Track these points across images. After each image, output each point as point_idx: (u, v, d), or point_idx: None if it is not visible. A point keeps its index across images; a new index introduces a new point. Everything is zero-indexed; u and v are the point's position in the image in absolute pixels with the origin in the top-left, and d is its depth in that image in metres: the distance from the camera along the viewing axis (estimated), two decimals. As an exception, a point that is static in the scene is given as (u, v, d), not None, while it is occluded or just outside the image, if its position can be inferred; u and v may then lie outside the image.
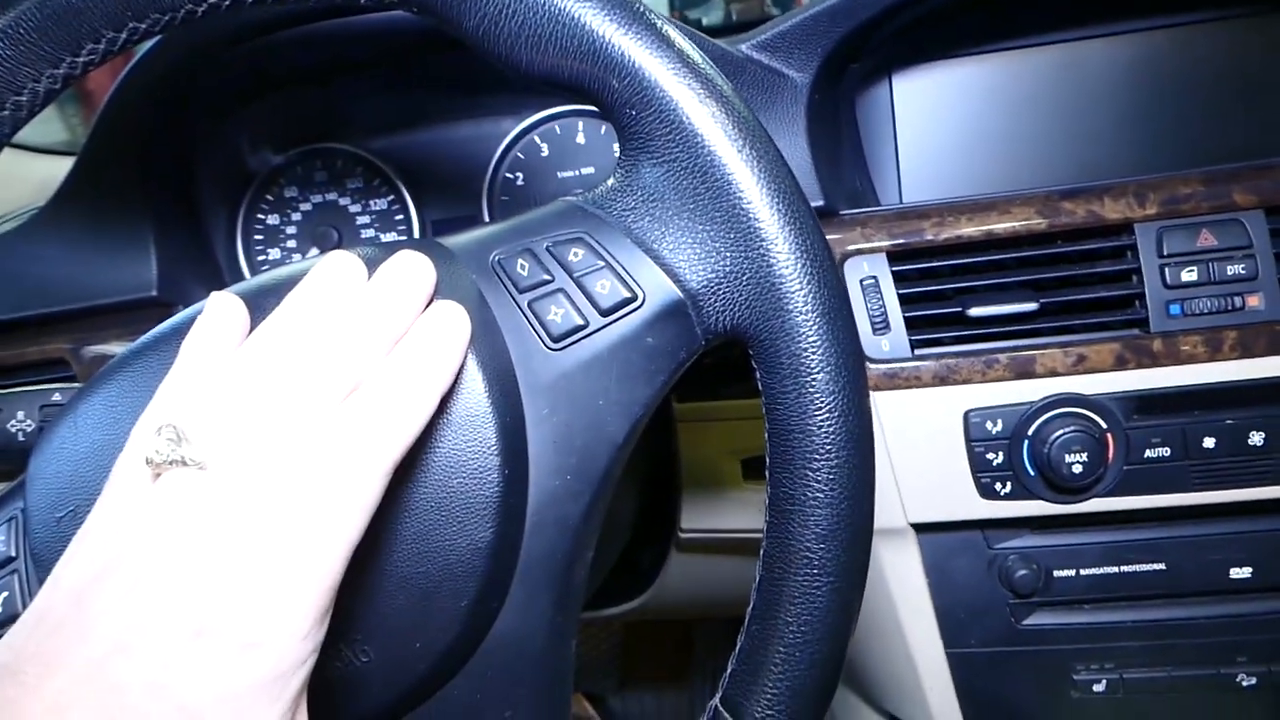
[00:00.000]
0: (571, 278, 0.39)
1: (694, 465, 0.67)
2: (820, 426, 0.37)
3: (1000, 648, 0.67)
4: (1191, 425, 0.60)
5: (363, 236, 0.81)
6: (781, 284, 0.38)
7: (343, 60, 0.77)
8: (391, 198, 0.80)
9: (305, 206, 0.81)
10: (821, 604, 0.37)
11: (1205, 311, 0.60)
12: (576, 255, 0.40)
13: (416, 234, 0.80)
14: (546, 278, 0.40)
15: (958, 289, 0.63)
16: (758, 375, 0.39)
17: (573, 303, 0.39)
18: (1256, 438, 0.59)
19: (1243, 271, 0.59)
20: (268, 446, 0.32)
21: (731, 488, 0.68)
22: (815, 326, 0.37)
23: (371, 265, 0.39)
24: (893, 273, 0.63)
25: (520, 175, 0.78)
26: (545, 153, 0.78)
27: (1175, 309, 0.60)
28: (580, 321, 0.39)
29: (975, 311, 0.61)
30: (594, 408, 0.39)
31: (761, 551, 0.39)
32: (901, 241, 0.63)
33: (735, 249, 0.38)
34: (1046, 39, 0.74)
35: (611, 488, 0.40)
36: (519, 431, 0.38)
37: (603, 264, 0.40)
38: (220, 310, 0.38)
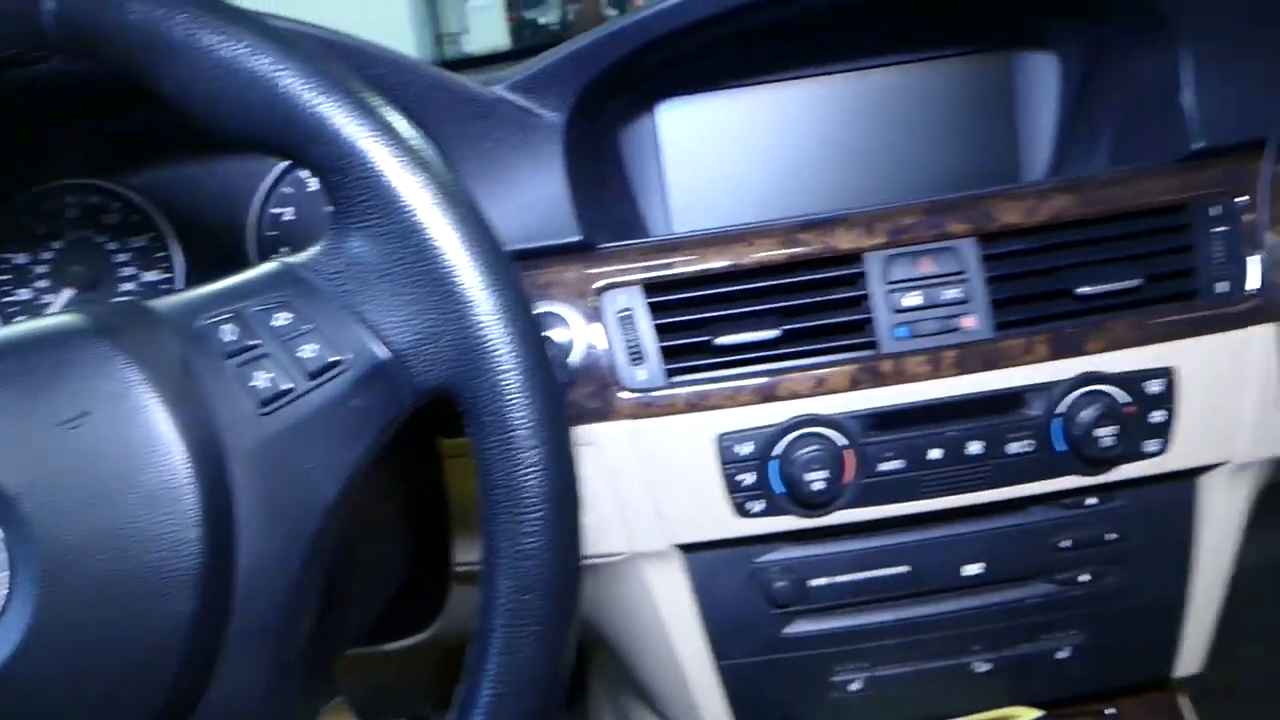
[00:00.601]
0: (278, 342, 0.40)
1: (463, 500, 0.68)
2: (523, 481, 0.39)
3: (765, 657, 0.70)
4: (919, 439, 0.65)
5: (121, 274, 0.78)
6: (482, 343, 0.39)
7: (92, 95, 0.73)
8: (152, 234, 0.77)
9: (57, 244, 0.77)
10: (527, 654, 0.39)
11: (928, 333, 0.65)
12: (284, 319, 0.40)
13: (179, 274, 0.77)
14: (254, 342, 0.40)
15: (711, 318, 0.66)
16: (468, 431, 0.41)
17: (280, 367, 0.39)
18: (975, 447, 0.65)
19: (959, 295, 0.65)
20: None
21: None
22: (515, 384, 0.39)
23: (100, 329, 0.38)
24: (648, 304, 0.65)
25: (288, 210, 0.77)
26: (312, 187, 0.77)
27: (901, 332, 0.65)
28: (287, 386, 0.39)
29: (722, 340, 0.64)
30: (303, 471, 0.39)
31: (478, 602, 0.40)
32: (655, 274, 0.65)
33: (438, 310, 0.40)
34: (798, 73, 0.78)
35: (327, 548, 0.40)
36: (224, 499, 0.38)
37: (310, 327, 0.40)
38: None
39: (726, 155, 0.79)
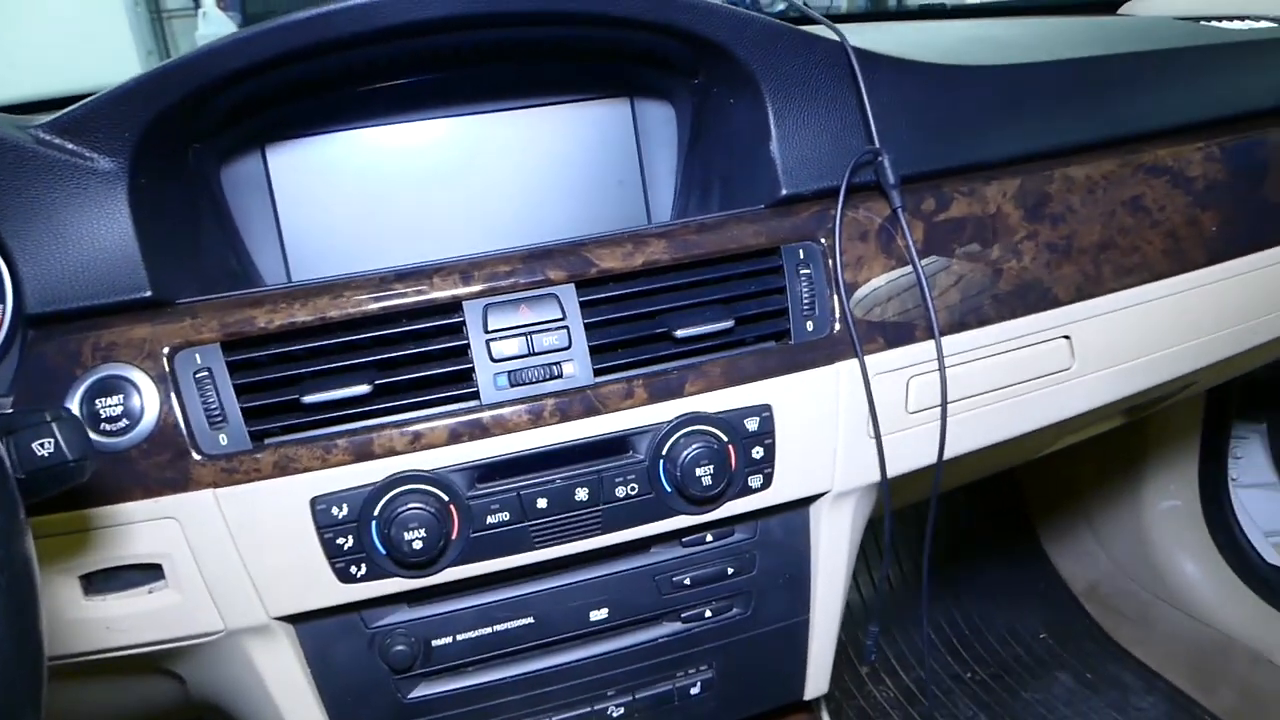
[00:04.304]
0: None
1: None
2: None
3: (388, 725, 0.67)
4: (525, 490, 0.64)
5: None
6: None
7: None
8: None
9: None
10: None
11: (529, 381, 0.64)
12: None
13: None
14: None
15: (300, 375, 0.62)
16: None
17: None
18: (583, 494, 0.65)
19: (557, 342, 0.64)
20: None
21: (70, 608, 0.62)
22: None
23: None
24: (228, 363, 0.61)
25: None
26: None
27: (502, 381, 0.64)
28: None
29: (309, 399, 0.60)
30: None
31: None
32: (234, 331, 0.61)
33: None
34: (425, 114, 0.76)
35: None
36: None
37: None
38: None
39: (349, 199, 0.76)
